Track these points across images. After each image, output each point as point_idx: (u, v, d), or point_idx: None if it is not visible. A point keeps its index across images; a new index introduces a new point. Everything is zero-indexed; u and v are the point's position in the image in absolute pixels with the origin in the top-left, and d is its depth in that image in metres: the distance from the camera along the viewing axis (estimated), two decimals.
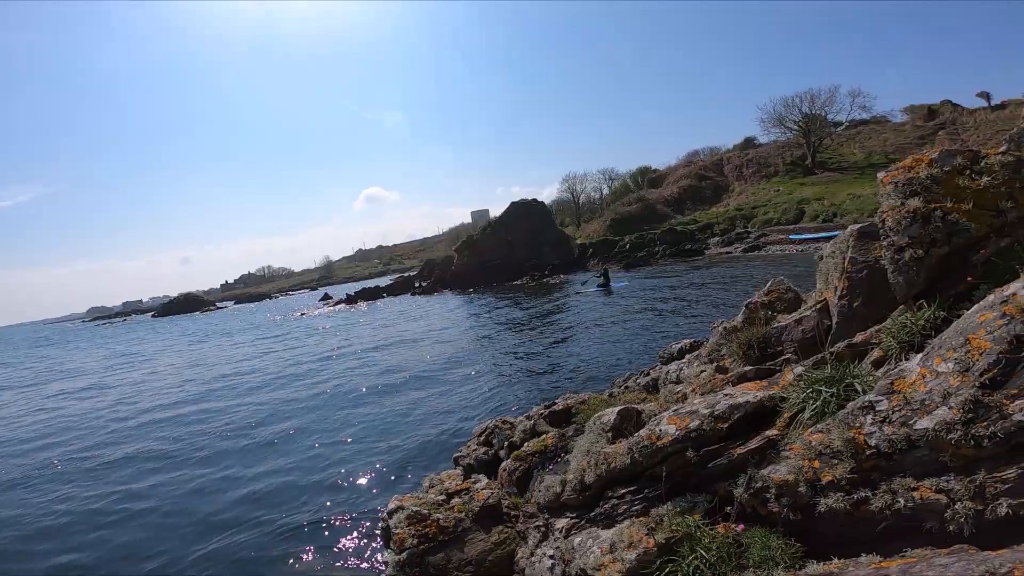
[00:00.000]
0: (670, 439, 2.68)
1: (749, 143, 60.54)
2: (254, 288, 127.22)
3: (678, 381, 5.73)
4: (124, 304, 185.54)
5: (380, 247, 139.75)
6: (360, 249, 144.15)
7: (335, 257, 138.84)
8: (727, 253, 34.01)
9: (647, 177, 66.63)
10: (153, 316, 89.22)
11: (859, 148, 50.92)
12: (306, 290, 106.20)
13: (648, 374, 8.00)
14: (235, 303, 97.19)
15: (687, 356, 6.75)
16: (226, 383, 16.06)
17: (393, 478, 7.23)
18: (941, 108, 51.05)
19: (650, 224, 47.41)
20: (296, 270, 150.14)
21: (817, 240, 29.57)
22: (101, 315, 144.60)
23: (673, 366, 6.52)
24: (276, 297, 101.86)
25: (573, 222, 64.80)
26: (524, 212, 45.04)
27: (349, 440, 9.05)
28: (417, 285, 48.77)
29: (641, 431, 2.94)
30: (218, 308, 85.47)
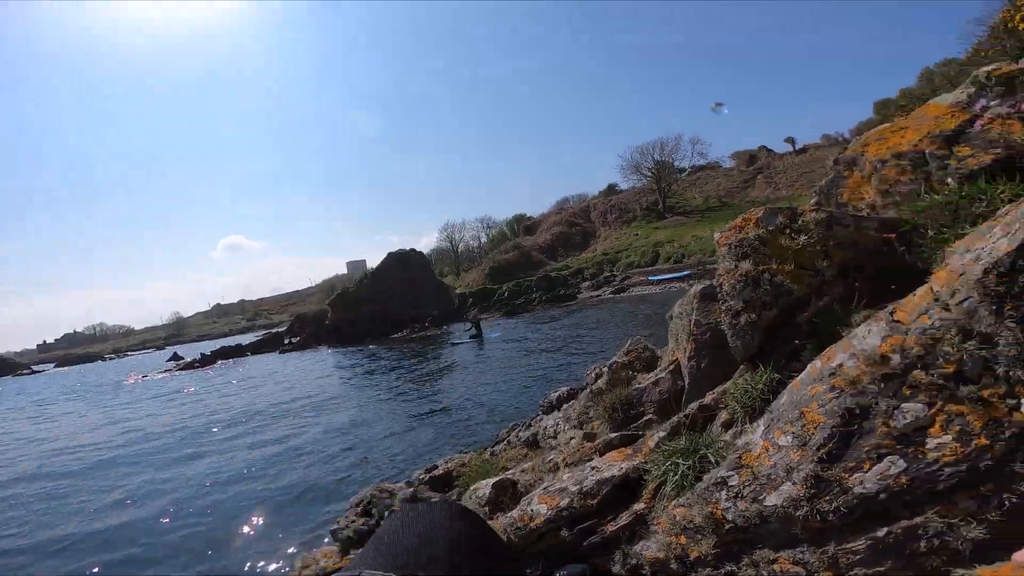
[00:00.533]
0: (543, 520, 2.53)
1: (612, 190, 65.85)
2: (83, 349, 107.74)
3: (555, 436, 5.72)
4: None
5: (243, 301, 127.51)
6: (218, 304, 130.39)
7: (188, 313, 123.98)
8: (597, 296, 36.28)
9: (523, 225, 69.63)
10: None
11: (699, 193, 58.10)
12: (151, 349, 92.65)
13: (530, 426, 7.94)
14: (56, 366, 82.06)
15: (564, 406, 6.83)
16: (37, 465, 13.01)
17: (263, 560, 6.32)
18: (759, 153, 60.24)
19: (526, 271, 49.20)
20: (138, 328, 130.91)
21: (671, 280, 32.78)
22: None
23: (550, 420, 6.54)
24: (111, 358, 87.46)
25: (452, 271, 65.11)
26: (402, 262, 44.24)
27: (203, 521, 7.74)
28: (287, 341, 44.96)
29: (514, 511, 2.75)
30: (34, 372, 72.03)
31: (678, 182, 59.32)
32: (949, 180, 2.45)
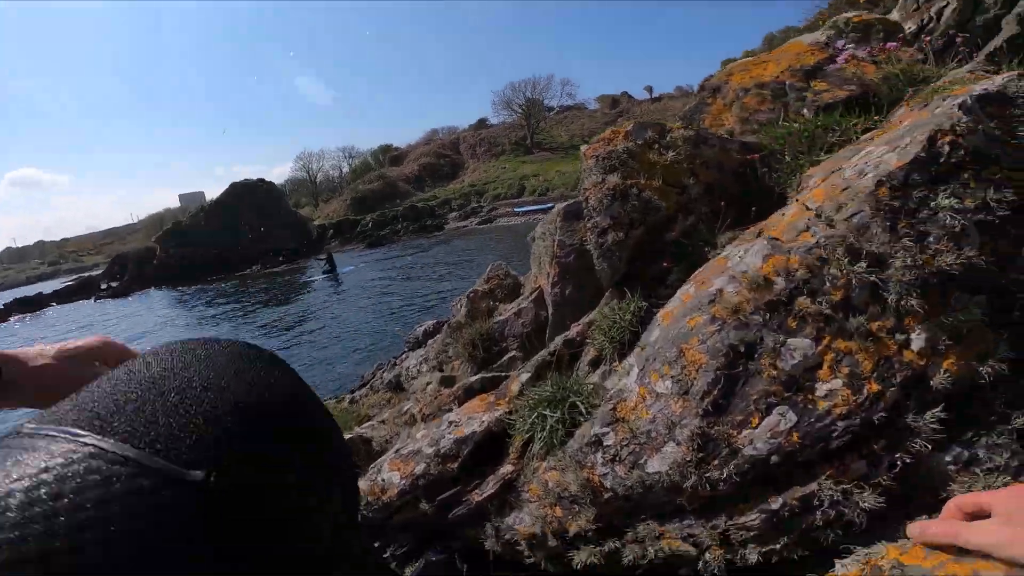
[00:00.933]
0: (396, 492, 2.15)
1: (482, 124, 64.90)
2: None
3: (417, 377, 5.38)
4: None
5: (42, 243, 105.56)
6: (9, 247, 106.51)
7: None
8: (464, 227, 36.09)
9: (389, 155, 65.93)
10: None
11: (565, 131, 59.58)
12: None
13: (395, 366, 7.51)
14: None
15: (430, 341, 6.49)
16: None
17: None
18: (621, 98, 63.62)
19: (392, 202, 47.13)
20: None
21: (535, 212, 33.61)
22: None
23: (414, 358, 6.14)
24: None
25: (311, 202, 60.22)
26: (249, 193, 39.52)
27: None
28: (104, 286, 38.49)
29: (363, 482, 2.36)
30: None
31: (546, 120, 60.44)
32: (805, 111, 2.55)
